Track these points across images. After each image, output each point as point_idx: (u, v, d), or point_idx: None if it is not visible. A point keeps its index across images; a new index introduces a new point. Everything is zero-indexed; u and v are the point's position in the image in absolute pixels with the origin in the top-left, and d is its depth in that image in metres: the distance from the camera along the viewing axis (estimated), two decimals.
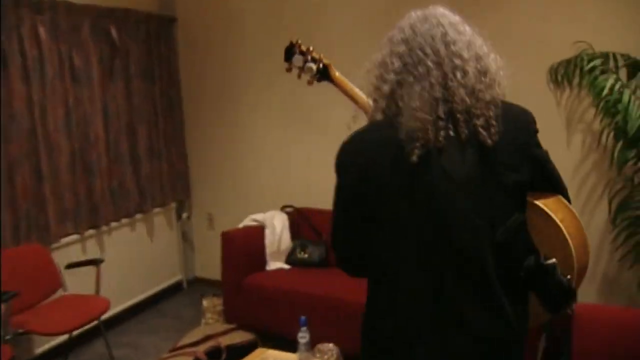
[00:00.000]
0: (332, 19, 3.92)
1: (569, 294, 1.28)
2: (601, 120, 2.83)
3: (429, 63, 1.23)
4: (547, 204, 1.33)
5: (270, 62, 4.19)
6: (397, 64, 1.27)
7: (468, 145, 1.23)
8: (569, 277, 1.29)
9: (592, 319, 2.22)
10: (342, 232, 1.42)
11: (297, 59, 1.95)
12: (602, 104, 2.72)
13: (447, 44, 1.25)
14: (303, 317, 2.64)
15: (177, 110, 4.60)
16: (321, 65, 1.94)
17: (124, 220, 4.10)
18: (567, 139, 3.24)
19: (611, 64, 2.89)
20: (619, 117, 2.60)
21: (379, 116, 1.31)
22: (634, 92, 2.68)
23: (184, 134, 4.69)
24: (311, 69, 1.94)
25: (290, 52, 1.96)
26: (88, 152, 3.75)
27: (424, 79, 1.23)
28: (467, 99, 1.22)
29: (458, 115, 1.23)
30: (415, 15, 1.32)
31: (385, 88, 1.28)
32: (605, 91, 2.62)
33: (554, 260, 1.27)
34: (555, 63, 3.09)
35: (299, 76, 1.99)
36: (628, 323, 2.22)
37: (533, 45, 3.21)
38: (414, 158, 1.21)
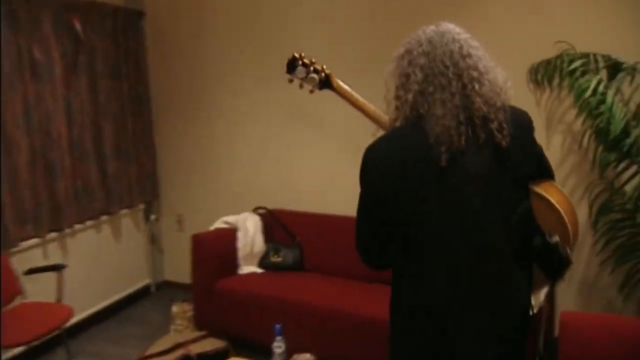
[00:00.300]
0: (307, 11, 3.80)
1: (568, 264, 1.49)
2: (583, 122, 2.79)
3: (450, 75, 1.39)
4: (544, 189, 1.54)
5: (243, 58, 4.07)
6: (419, 75, 1.41)
7: (485, 146, 1.40)
8: (568, 250, 1.49)
9: (579, 327, 2.15)
10: (365, 230, 1.52)
11: (300, 71, 2.08)
12: (584, 106, 2.67)
13: (464, 58, 1.41)
14: (278, 326, 2.53)
15: (145, 108, 4.43)
16: (323, 75, 2.07)
17: (89, 223, 3.92)
18: (546, 140, 3.19)
19: (592, 64, 2.85)
20: (601, 119, 2.55)
21: (399, 122, 1.46)
22: (615, 94, 2.63)
23: (152, 132, 4.52)
24: (314, 79, 2.08)
25: (293, 64, 2.09)
26: (50, 150, 3.56)
27: (445, 89, 1.39)
28: (483, 107, 1.39)
29: (476, 121, 1.39)
30: (430, 30, 1.46)
31: (409, 97, 1.42)
32: (589, 92, 2.57)
33: (557, 237, 1.47)
34: (536, 63, 3.03)
35: (301, 86, 2.13)
36: (615, 331, 2.17)
37: (513, 44, 3.16)
38: (443, 161, 1.36)
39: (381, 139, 1.48)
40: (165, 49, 4.42)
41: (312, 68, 2.09)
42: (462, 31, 1.46)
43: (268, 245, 3.77)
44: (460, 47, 1.41)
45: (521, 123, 1.46)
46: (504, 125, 1.40)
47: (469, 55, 1.41)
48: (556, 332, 1.97)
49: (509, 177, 1.43)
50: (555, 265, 1.49)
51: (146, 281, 4.52)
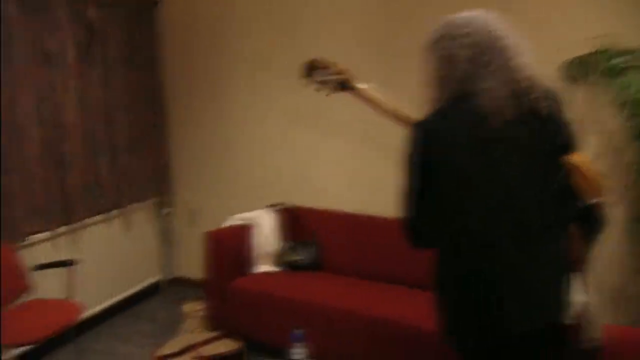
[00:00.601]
0: (325, 4, 3.67)
1: (605, 224, 1.63)
2: (624, 121, 2.64)
3: (495, 52, 1.51)
4: (576, 158, 1.63)
5: (262, 51, 3.94)
6: (466, 53, 1.52)
7: (529, 116, 1.51)
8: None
9: (620, 342, 2.02)
10: (413, 205, 1.58)
11: (318, 74, 2.10)
12: (625, 104, 2.52)
13: (502, 38, 1.53)
14: (298, 331, 2.41)
15: (158, 99, 4.31)
16: (342, 78, 2.09)
17: (100, 217, 3.81)
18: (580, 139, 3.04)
19: (632, 62, 2.69)
20: None
21: (442, 101, 1.56)
22: None
23: (166, 124, 4.40)
24: (332, 81, 2.09)
25: (310, 68, 2.12)
26: (61, 142, 3.44)
27: (491, 65, 1.50)
28: (524, 81, 1.50)
29: (519, 93, 1.50)
30: (465, 15, 1.58)
31: (456, 74, 1.53)
32: (633, 89, 2.42)
33: (596, 199, 1.60)
34: (572, 58, 2.88)
35: (319, 90, 2.15)
36: None
37: (546, 38, 3.00)
38: (492, 131, 1.48)
39: (430, 114, 1.58)
40: (180, 39, 4.29)
41: (330, 71, 2.10)
42: (493, 15, 1.58)
43: (285, 244, 3.64)
44: (498, 28, 1.54)
45: (553, 96, 1.57)
46: (543, 97, 1.51)
47: (506, 36, 1.53)
48: (594, 341, 1.88)
49: (550, 143, 1.54)
50: (595, 226, 1.63)
51: (157, 277, 4.41)
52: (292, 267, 3.56)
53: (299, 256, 3.57)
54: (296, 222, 3.75)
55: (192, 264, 4.35)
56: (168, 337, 3.41)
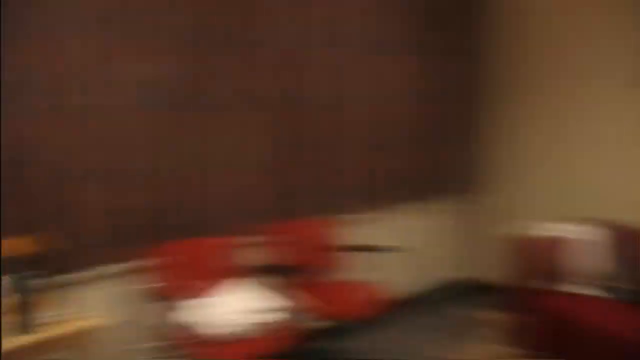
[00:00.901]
0: None
1: None
2: None
3: None
4: None
5: (613, 55, 3.42)
6: None
7: None
8: None
9: None
10: None
11: None
12: None
13: None
14: None
15: (475, 89, 4.10)
16: None
17: (400, 207, 3.77)
18: None
19: None
20: None
21: None
22: None
23: (483, 117, 4.17)
24: None
25: None
26: (375, 129, 3.48)
27: None
28: None
29: None
30: None
31: None
32: None
33: None
34: None
35: None
36: None
37: None
38: None
39: None
40: (512, 29, 3.98)
41: None
42: None
43: (618, 268, 3.10)
44: None
45: None
46: None
47: None
48: None
49: None
50: None
51: (451, 274, 4.24)
52: (623, 297, 3.01)
53: (625, 283, 3.01)
54: (626, 245, 3.18)
55: (490, 266, 4.07)
56: (457, 338, 3.20)
